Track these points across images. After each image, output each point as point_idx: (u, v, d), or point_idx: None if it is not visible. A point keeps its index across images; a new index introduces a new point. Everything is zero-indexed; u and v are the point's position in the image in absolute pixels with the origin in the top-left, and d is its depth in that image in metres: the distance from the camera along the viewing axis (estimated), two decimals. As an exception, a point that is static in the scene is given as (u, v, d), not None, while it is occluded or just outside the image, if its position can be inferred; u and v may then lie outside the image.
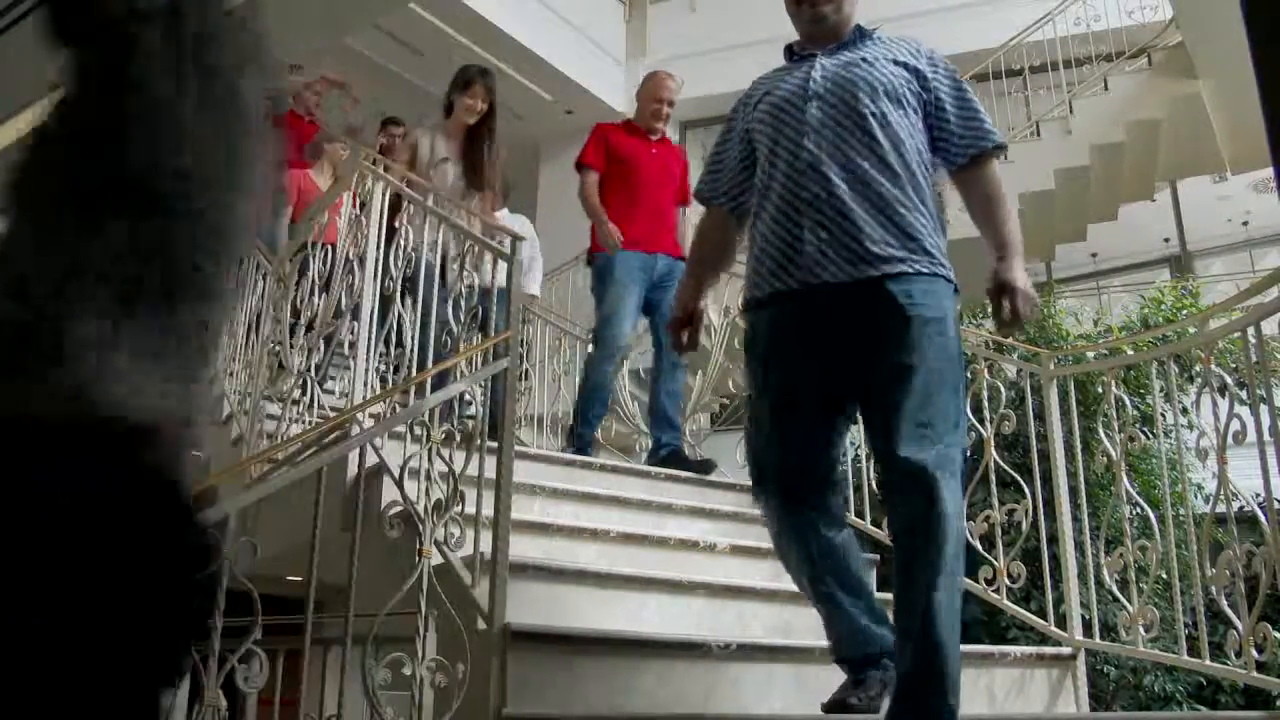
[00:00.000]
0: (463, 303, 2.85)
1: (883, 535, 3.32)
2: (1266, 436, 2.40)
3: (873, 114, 1.94)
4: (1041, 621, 2.97)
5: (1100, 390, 3.28)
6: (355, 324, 3.14)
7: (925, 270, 1.89)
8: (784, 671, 2.41)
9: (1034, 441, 3.28)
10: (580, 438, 3.96)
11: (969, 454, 3.29)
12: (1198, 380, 3.04)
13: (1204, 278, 9.22)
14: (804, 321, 1.94)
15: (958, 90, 2.05)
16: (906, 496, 1.83)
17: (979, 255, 2.01)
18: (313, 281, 3.54)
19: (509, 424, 2.45)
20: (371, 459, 2.75)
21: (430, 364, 2.93)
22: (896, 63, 2.01)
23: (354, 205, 3.49)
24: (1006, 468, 3.10)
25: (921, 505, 1.79)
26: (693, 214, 3.47)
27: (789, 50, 2.18)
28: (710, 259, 2.28)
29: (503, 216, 4.45)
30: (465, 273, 2.86)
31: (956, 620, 1.78)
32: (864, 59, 2.01)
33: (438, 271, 3.08)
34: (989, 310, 1.88)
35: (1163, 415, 3.17)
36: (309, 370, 3.45)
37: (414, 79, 7.62)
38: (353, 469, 2.85)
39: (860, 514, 3.43)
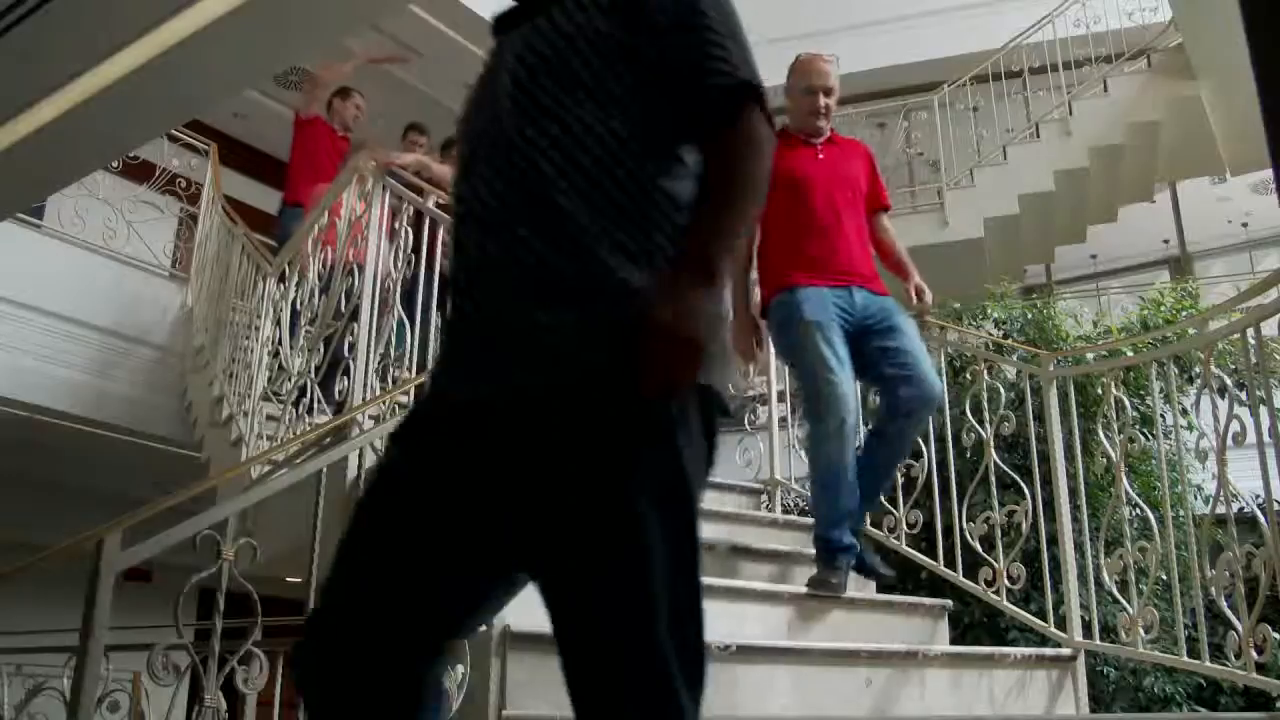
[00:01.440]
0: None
1: (883, 536, 3.33)
2: (1266, 438, 2.40)
3: (532, 110, 1.18)
4: (1041, 623, 2.98)
5: (1100, 391, 3.29)
6: (355, 325, 3.14)
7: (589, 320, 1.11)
8: (783, 673, 2.41)
9: (1034, 443, 3.28)
10: (828, 543, 2.83)
11: (968, 455, 3.32)
12: (1197, 381, 3.04)
13: (1204, 279, 9.21)
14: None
15: (685, 16, 1.18)
16: None
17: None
18: (313, 284, 3.55)
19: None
20: (371, 459, 2.76)
21: (430, 365, 2.94)
22: (599, 5, 1.20)
23: (355, 207, 3.50)
24: (1006, 469, 3.11)
25: None
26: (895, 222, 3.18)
27: (494, 24, 1.37)
28: None
29: None
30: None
31: None
32: (549, 19, 1.22)
33: (437, 273, 3.08)
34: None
35: (1162, 416, 3.17)
36: (309, 372, 3.46)
37: (414, 80, 7.62)
38: (352, 470, 2.85)
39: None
